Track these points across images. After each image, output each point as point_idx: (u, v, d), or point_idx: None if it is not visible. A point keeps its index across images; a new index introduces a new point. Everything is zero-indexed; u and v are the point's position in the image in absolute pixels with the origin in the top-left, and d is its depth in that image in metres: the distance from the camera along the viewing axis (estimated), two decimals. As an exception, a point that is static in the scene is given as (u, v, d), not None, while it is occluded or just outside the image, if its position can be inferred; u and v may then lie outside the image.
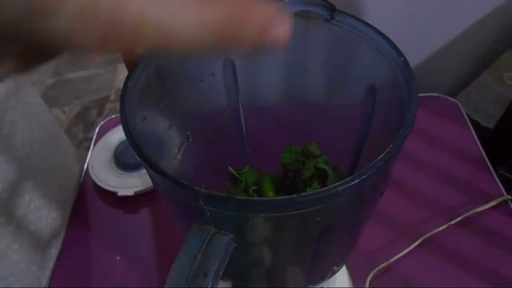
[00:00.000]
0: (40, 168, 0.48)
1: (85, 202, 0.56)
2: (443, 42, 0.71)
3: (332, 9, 0.28)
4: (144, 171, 0.55)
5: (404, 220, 0.50)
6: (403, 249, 0.46)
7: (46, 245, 0.48)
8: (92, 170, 0.57)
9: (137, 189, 0.54)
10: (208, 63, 0.32)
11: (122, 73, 1.60)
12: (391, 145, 0.21)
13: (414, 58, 0.72)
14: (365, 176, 0.20)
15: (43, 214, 0.48)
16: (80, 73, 1.62)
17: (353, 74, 0.31)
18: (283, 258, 0.29)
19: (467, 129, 0.60)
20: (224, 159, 0.38)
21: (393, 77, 0.25)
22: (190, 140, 0.34)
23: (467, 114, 0.62)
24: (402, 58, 0.25)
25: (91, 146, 0.62)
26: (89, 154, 0.60)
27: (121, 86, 0.25)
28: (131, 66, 0.26)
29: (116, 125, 0.62)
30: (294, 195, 0.19)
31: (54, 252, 0.50)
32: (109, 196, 0.55)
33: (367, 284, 0.44)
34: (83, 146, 1.35)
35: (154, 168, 0.21)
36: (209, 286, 0.20)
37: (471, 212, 0.49)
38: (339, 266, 0.33)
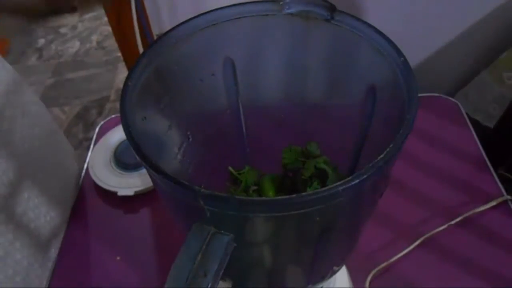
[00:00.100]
0: (39, 166, 0.48)
1: (85, 202, 0.56)
2: (443, 42, 0.71)
3: (332, 9, 0.28)
4: (144, 171, 0.55)
5: (404, 220, 0.50)
6: (403, 249, 0.46)
7: (46, 244, 0.48)
8: (92, 170, 0.57)
9: (137, 189, 0.54)
10: (208, 63, 0.32)
11: (122, 73, 1.60)
12: (391, 145, 0.21)
13: (414, 58, 0.72)
14: (365, 176, 0.20)
15: (42, 212, 0.48)
16: (80, 73, 1.62)
17: (353, 74, 0.31)
18: (283, 258, 0.29)
19: (467, 129, 0.59)
20: (224, 159, 0.38)
21: (393, 77, 0.25)
22: (190, 140, 0.34)
23: (467, 114, 0.62)
24: (402, 58, 0.25)
25: (91, 146, 0.62)
26: (89, 154, 0.60)
27: (121, 86, 0.25)
28: (131, 66, 0.26)
29: (116, 125, 0.62)
30: (294, 195, 0.19)
31: (54, 252, 0.50)
32: (109, 196, 0.55)
33: (367, 284, 0.44)
34: (83, 146, 1.35)
35: (154, 168, 0.21)
36: (209, 286, 0.20)
37: (471, 212, 0.49)
38: (339, 266, 0.33)
